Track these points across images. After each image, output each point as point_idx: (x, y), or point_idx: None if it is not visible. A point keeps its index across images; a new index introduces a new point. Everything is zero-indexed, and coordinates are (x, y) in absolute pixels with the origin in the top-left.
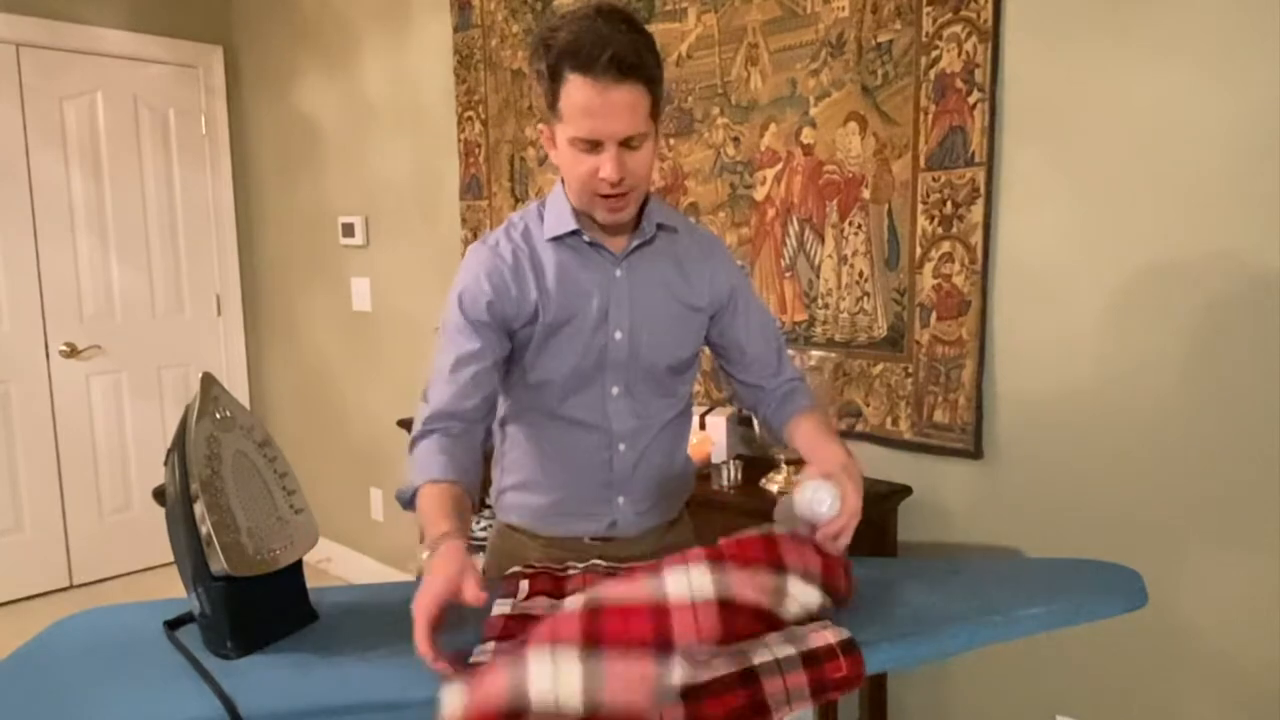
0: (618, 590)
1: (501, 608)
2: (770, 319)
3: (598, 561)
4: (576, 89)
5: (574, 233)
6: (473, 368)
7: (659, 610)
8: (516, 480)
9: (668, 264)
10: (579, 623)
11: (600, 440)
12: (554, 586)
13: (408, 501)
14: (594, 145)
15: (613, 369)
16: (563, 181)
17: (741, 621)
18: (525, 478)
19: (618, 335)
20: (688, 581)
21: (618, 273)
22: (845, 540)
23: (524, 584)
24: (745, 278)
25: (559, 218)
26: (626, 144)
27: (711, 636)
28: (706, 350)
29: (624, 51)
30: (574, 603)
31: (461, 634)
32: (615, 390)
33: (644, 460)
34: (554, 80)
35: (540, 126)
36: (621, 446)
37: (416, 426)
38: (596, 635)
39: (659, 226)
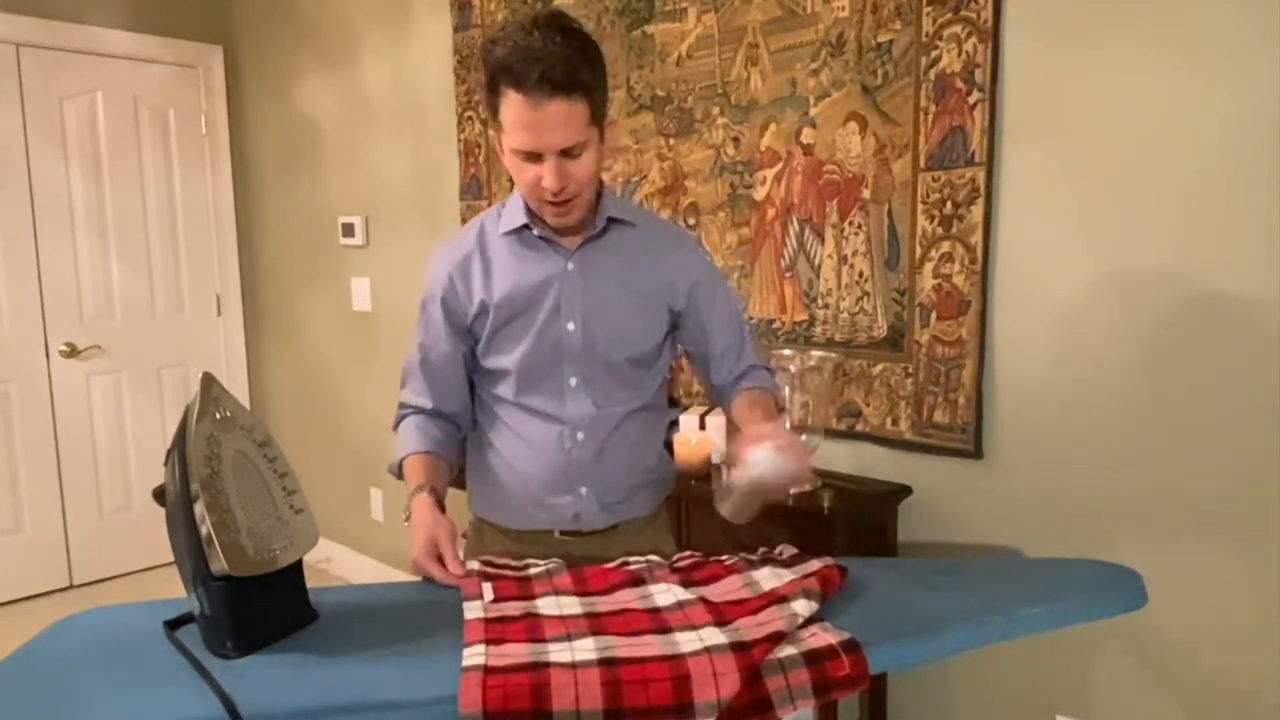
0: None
1: (473, 611)
2: (737, 314)
3: (558, 560)
4: (512, 104)
5: (524, 227)
6: (433, 360)
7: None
8: (482, 471)
9: (622, 257)
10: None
11: (557, 429)
12: (520, 590)
13: (396, 475)
14: (534, 156)
15: (570, 360)
16: None
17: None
18: (490, 468)
19: (570, 327)
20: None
21: (569, 266)
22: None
23: (487, 586)
24: (713, 273)
25: (512, 213)
26: (566, 153)
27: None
28: None
29: (555, 67)
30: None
31: (441, 642)
32: (574, 381)
33: (607, 450)
34: (492, 93)
35: (493, 132)
36: (580, 435)
37: (397, 411)
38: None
39: (611, 220)
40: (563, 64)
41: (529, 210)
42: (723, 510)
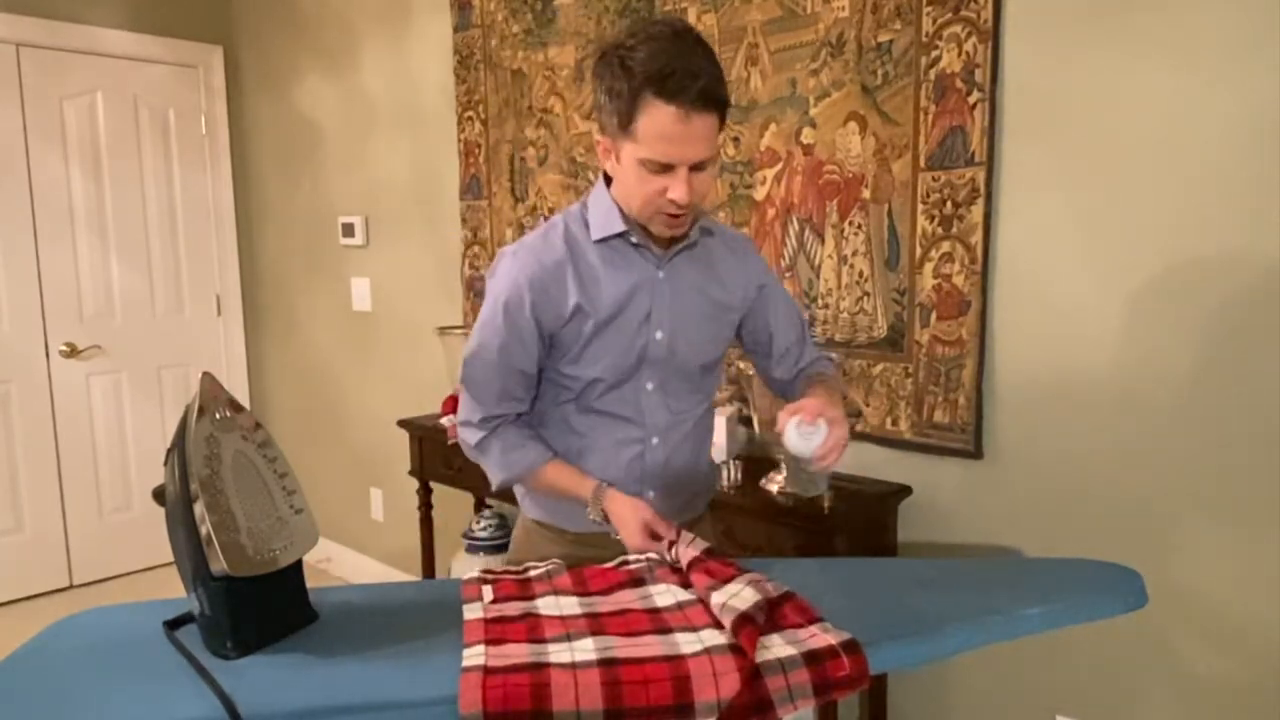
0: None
1: (473, 612)
2: (795, 310)
3: (558, 561)
4: (660, 114)
5: (621, 234)
6: (517, 366)
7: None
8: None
9: (702, 266)
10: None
11: (635, 434)
12: (520, 590)
13: (507, 486)
14: (665, 168)
15: (650, 366)
16: (606, 182)
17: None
18: None
19: (659, 335)
20: (699, 638)
21: (660, 274)
22: (834, 459)
23: (487, 589)
24: (772, 273)
25: (606, 219)
26: (697, 166)
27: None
28: None
29: (712, 83)
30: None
31: (441, 643)
32: (650, 386)
33: (675, 456)
34: (633, 101)
35: (599, 138)
36: (655, 440)
37: (470, 421)
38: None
39: (701, 230)
40: (716, 78)
41: (624, 216)
42: (790, 487)
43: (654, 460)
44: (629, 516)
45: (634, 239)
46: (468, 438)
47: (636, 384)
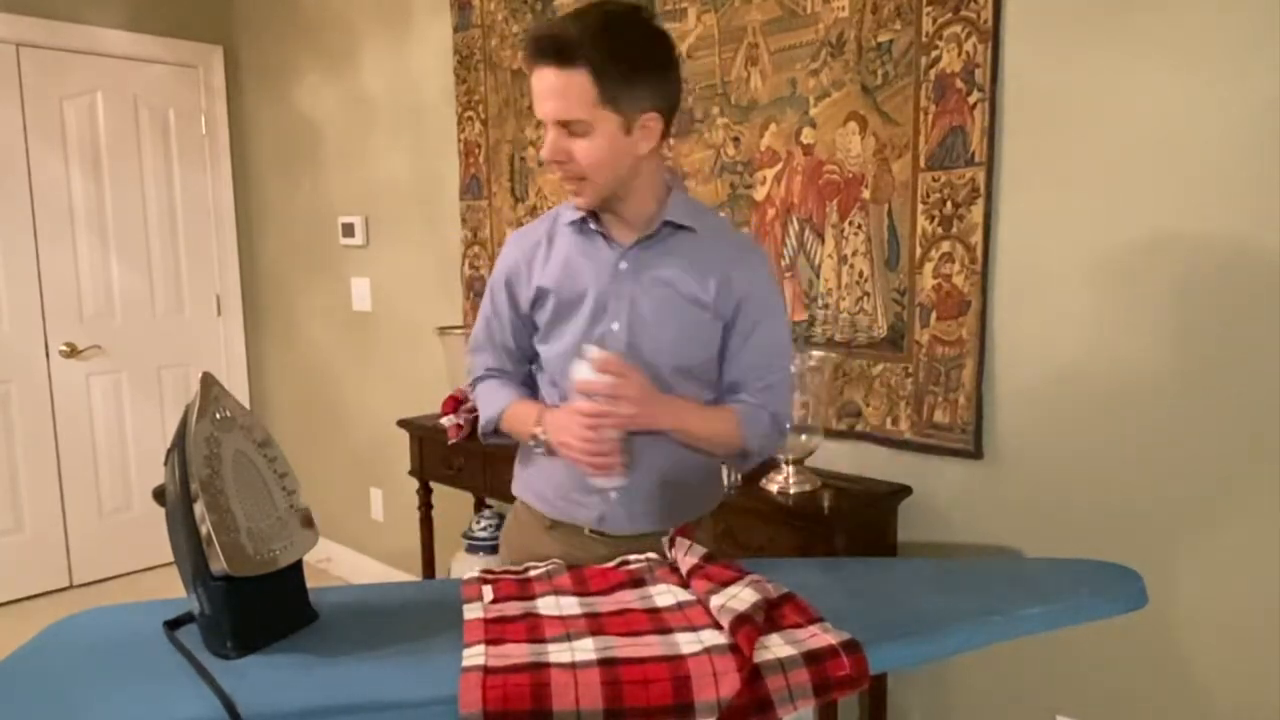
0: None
1: (473, 612)
2: (776, 355)
3: (558, 561)
4: (530, 71)
5: (584, 219)
6: (500, 342)
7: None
8: (527, 454)
9: (680, 263)
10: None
11: None
12: (520, 590)
13: (491, 431)
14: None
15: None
16: None
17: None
18: (533, 452)
19: (615, 327)
20: (698, 638)
21: (621, 265)
22: (610, 421)
23: (487, 589)
24: (768, 300)
25: (572, 204)
26: (568, 128)
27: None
28: None
29: (556, 36)
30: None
31: (441, 643)
32: None
33: (642, 459)
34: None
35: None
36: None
37: (474, 374)
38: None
39: (669, 225)
40: (565, 34)
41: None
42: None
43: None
44: (562, 420)
45: (593, 225)
46: (471, 388)
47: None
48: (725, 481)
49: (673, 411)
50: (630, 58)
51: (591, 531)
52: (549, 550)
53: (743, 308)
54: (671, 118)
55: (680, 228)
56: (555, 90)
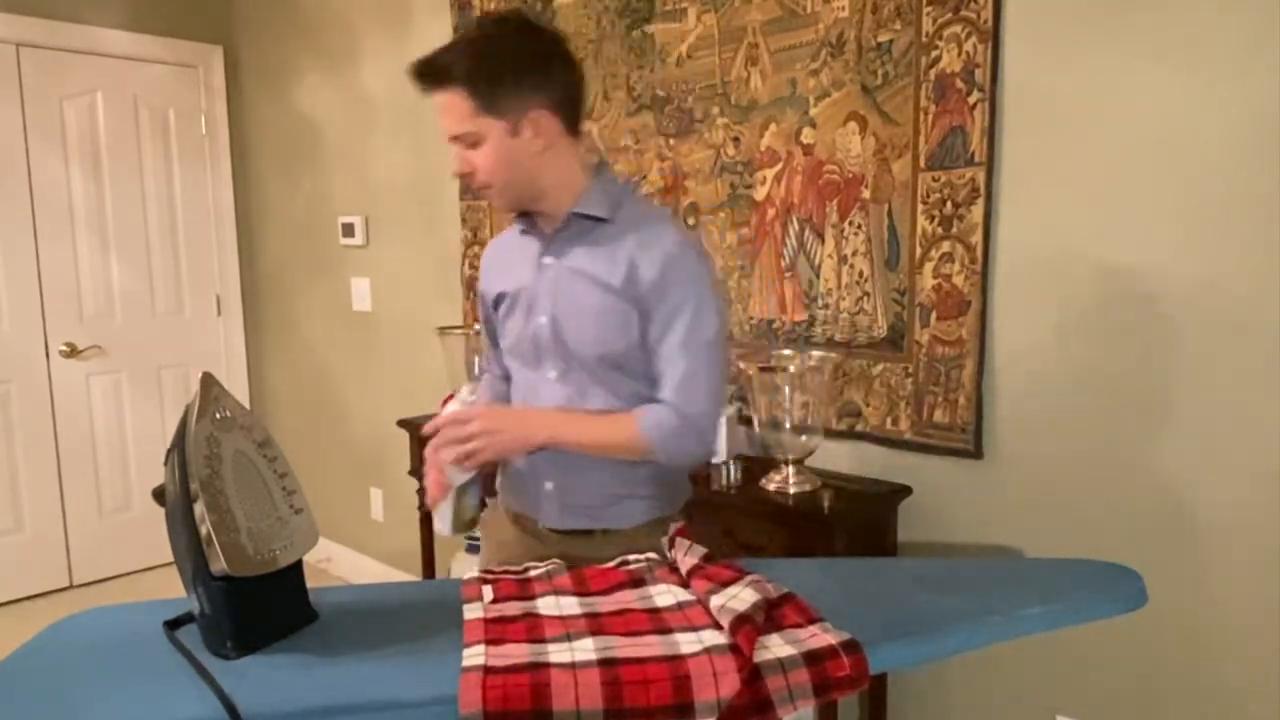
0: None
1: (473, 612)
2: (687, 347)
3: (558, 561)
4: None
5: (521, 222)
6: (488, 336)
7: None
8: None
9: (593, 251)
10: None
11: None
12: (520, 590)
13: None
14: None
15: (548, 354)
16: None
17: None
18: None
19: (542, 320)
20: (699, 638)
21: (545, 260)
22: (465, 447)
23: (487, 589)
24: (680, 287)
25: None
26: (462, 142)
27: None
28: None
29: (429, 62)
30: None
31: (441, 643)
32: (552, 375)
33: (576, 453)
34: None
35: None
36: None
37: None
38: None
39: (576, 216)
40: (437, 58)
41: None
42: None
43: (546, 452)
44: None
45: (521, 226)
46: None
47: (541, 372)
48: (725, 480)
49: (546, 426)
50: (498, 63)
51: (550, 530)
52: (512, 539)
53: (652, 296)
54: (570, 110)
55: (588, 218)
56: (441, 110)
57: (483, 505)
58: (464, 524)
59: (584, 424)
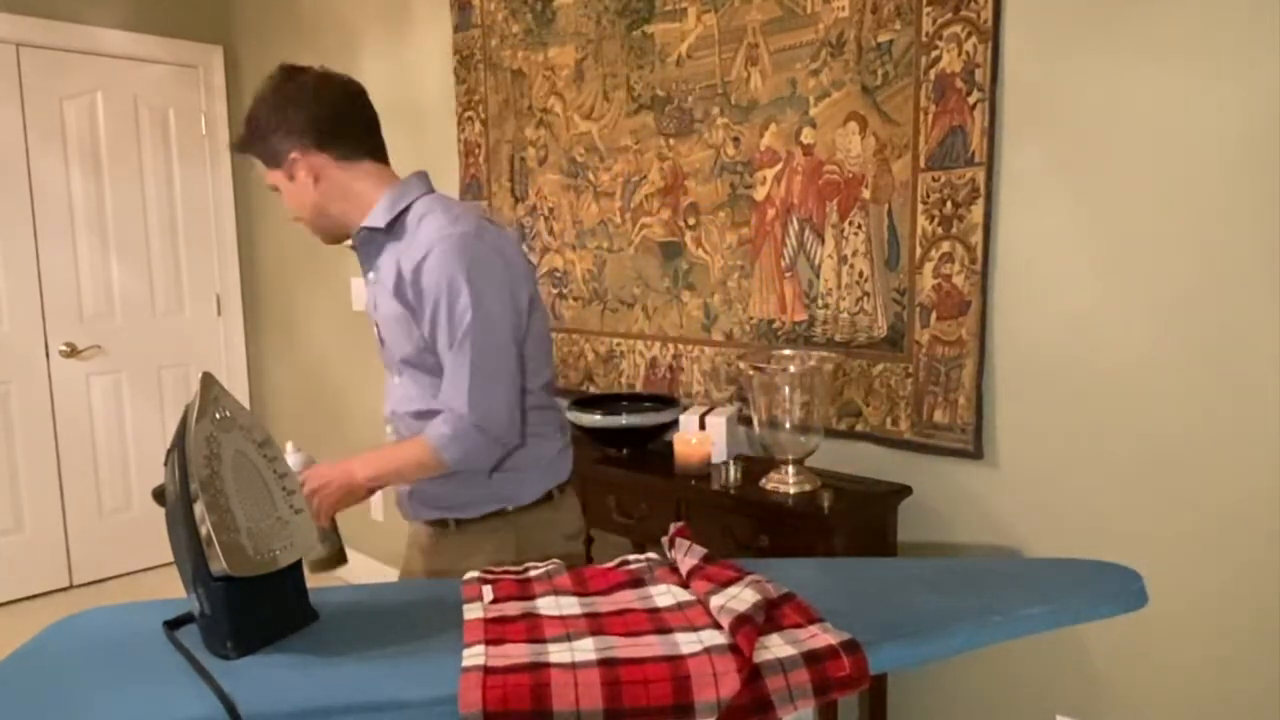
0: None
1: (473, 612)
2: (451, 350)
3: (558, 561)
4: None
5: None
6: None
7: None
8: None
9: (386, 261)
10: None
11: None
12: (520, 590)
13: None
14: None
15: (386, 360)
16: None
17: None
18: None
19: (375, 330)
20: (698, 638)
21: (369, 276)
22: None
23: (487, 589)
24: (441, 286)
25: None
26: (278, 192)
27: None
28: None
29: (239, 134)
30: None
31: (441, 643)
32: (396, 379)
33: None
34: None
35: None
36: (388, 428)
37: None
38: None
39: (363, 230)
40: (242, 133)
41: None
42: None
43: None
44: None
45: (351, 244)
46: None
47: (390, 377)
48: (725, 480)
49: (364, 466)
50: (256, 122)
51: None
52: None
53: (412, 294)
54: (329, 140)
55: (374, 230)
56: (258, 170)
57: (340, 552)
58: (317, 565)
59: (390, 456)
